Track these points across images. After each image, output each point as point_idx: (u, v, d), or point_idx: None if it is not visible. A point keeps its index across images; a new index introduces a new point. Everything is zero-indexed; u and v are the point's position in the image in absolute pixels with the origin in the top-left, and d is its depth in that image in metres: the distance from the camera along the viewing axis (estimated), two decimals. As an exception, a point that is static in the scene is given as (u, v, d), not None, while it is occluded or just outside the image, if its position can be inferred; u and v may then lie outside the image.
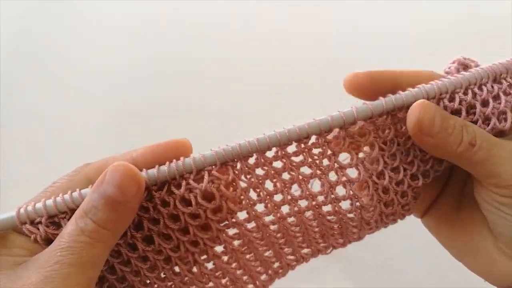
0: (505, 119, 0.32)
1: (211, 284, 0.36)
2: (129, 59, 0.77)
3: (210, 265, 0.35)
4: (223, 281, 0.36)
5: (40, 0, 0.80)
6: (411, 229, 0.44)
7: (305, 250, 0.39)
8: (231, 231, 0.34)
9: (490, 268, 0.35)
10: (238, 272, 0.36)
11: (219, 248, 0.34)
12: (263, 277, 0.38)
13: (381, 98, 0.33)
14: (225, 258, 0.35)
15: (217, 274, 0.36)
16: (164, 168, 0.31)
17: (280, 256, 0.38)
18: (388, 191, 0.34)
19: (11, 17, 0.80)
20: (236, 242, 0.35)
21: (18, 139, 0.74)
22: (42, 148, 0.75)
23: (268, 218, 0.34)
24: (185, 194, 0.31)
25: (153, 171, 0.31)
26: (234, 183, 0.32)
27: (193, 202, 0.31)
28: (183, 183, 0.31)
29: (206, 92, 0.75)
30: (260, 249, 0.36)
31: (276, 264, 0.38)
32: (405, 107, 0.33)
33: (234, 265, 0.36)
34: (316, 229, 0.37)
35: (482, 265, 0.35)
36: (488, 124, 0.33)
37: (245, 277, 0.37)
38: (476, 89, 0.33)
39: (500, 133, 0.33)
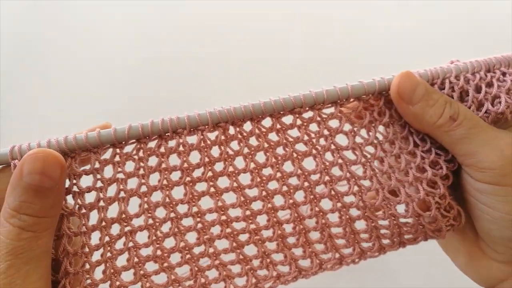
0: (500, 103, 0.32)
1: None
2: (129, 59, 0.77)
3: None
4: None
5: (40, 0, 0.82)
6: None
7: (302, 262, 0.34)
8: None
9: (470, 267, 0.34)
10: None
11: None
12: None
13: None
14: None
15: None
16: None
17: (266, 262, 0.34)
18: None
19: (11, 17, 0.81)
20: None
21: (18, 139, 0.73)
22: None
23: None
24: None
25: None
26: (222, 147, 0.31)
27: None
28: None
29: (206, 92, 0.74)
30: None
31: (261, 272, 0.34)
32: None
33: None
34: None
35: (463, 263, 0.35)
36: (481, 110, 0.32)
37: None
38: (469, 75, 0.33)
39: (497, 119, 0.33)
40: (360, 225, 0.33)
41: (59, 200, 0.28)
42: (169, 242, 0.31)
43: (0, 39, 0.80)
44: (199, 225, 0.31)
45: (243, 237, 0.32)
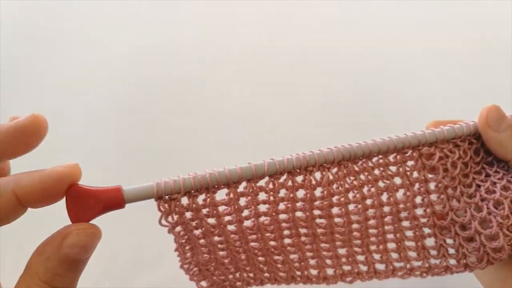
0: None
1: (278, 257, 0.40)
2: (130, 59, 0.77)
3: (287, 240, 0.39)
4: (291, 256, 0.40)
5: (40, 0, 0.79)
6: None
7: (378, 265, 0.41)
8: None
9: None
10: (308, 254, 0.40)
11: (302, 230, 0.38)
12: (330, 271, 0.41)
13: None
14: (304, 238, 0.39)
15: (289, 249, 0.39)
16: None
17: (353, 259, 0.41)
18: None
19: (11, 17, 0.78)
20: (320, 231, 0.38)
21: None
22: (42, 148, 0.71)
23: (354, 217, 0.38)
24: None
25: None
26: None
27: None
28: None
29: (207, 94, 0.75)
30: (336, 243, 0.39)
31: (346, 268, 0.41)
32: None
33: (308, 246, 0.39)
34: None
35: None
36: None
37: (312, 261, 0.41)
38: None
39: None
40: (430, 242, 0.40)
41: (84, 266, 0.29)
42: None
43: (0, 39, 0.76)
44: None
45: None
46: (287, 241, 0.39)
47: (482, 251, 0.37)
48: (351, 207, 0.37)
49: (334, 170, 0.35)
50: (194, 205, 0.32)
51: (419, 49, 0.79)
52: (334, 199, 0.36)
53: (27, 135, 0.29)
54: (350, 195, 0.37)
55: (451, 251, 0.39)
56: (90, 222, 0.29)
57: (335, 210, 0.37)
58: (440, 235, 0.39)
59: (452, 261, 0.39)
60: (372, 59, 0.78)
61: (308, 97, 0.75)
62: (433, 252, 0.40)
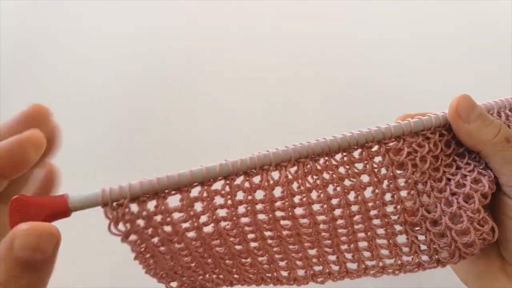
0: None
1: (248, 260, 0.38)
2: (130, 59, 0.77)
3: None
4: (260, 259, 0.38)
5: (40, 0, 0.79)
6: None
7: (350, 264, 0.40)
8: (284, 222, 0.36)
9: None
10: (276, 256, 0.38)
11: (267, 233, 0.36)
12: (301, 272, 0.40)
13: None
14: (270, 241, 0.37)
15: (258, 252, 0.37)
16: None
17: (324, 260, 0.39)
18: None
19: (11, 17, 0.78)
20: (285, 232, 0.36)
21: None
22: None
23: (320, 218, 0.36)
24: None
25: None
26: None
27: None
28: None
29: (207, 93, 0.75)
30: (305, 245, 0.38)
31: (317, 268, 0.39)
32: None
33: (276, 249, 0.37)
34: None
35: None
36: None
37: (281, 263, 0.39)
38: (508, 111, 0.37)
39: None
40: (402, 239, 0.39)
41: (48, 273, 0.28)
42: None
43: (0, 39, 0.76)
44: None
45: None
46: (252, 244, 0.37)
47: (453, 246, 0.36)
48: (316, 207, 0.36)
49: (293, 169, 0.34)
50: (144, 212, 0.31)
51: (415, 42, 0.77)
52: (296, 199, 0.35)
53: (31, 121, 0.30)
54: (314, 194, 0.35)
55: (423, 247, 0.38)
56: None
57: (299, 211, 0.36)
58: (411, 232, 0.38)
59: (425, 257, 0.38)
60: (371, 55, 0.76)
61: (307, 92, 0.73)
62: (405, 249, 0.38)
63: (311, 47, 0.78)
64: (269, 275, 0.40)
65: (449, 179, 0.36)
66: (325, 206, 0.36)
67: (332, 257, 0.39)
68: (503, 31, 0.74)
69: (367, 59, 0.77)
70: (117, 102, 0.74)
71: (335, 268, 0.39)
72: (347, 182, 0.35)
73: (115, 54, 0.77)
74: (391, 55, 0.76)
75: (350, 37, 0.78)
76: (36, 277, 0.27)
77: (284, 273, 0.40)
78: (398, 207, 0.37)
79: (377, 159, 0.36)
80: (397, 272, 0.39)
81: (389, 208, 0.37)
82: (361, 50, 0.77)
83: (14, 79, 0.75)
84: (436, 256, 0.38)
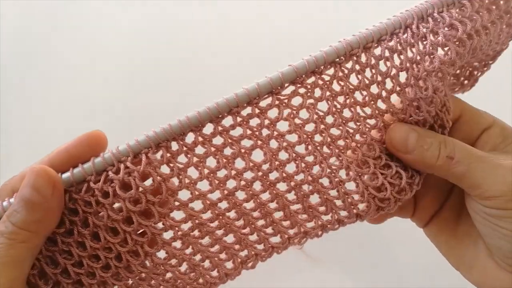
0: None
1: (169, 274, 0.35)
2: (130, 59, 0.76)
3: (162, 254, 0.34)
4: (181, 269, 0.35)
5: (41, 0, 0.79)
6: (409, 230, 0.45)
7: (273, 239, 0.37)
8: (178, 216, 0.34)
9: (484, 279, 0.36)
10: (196, 258, 0.35)
11: (168, 235, 0.34)
12: (229, 264, 0.36)
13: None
14: (177, 244, 0.34)
15: (172, 262, 0.35)
16: (99, 158, 0.31)
17: (245, 243, 0.36)
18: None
19: (11, 17, 0.78)
20: (185, 226, 0.34)
21: (18, 139, 0.74)
22: (41, 148, 0.73)
23: (216, 198, 0.34)
24: (125, 179, 0.31)
25: (88, 164, 0.31)
26: (170, 164, 0.32)
27: (133, 185, 0.31)
28: (122, 166, 0.31)
29: (206, 93, 0.73)
30: (216, 233, 0.35)
31: (242, 253, 0.36)
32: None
33: (188, 251, 0.35)
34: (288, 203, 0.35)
35: (477, 276, 0.37)
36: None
37: (205, 264, 0.36)
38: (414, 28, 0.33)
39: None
40: (316, 200, 0.35)
41: (47, 218, 0.30)
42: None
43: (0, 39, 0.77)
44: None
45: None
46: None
47: (366, 195, 0.34)
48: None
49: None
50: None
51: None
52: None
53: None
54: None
55: (338, 202, 0.35)
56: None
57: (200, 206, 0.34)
58: (322, 189, 0.35)
59: (343, 213, 0.35)
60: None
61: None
62: (322, 209, 0.35)
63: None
64: (202, 280, 0.36)
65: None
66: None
67: (253, 237, 0.36)
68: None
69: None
70: (118, 102, 0.74)
71: (260, 247, 0.36)
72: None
73: (116, 51, 0.76)
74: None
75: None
76: (31, 216, 0.29)
77: (214, 273, 0.37)
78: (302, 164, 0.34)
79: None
80: (320, 233, 0.36)
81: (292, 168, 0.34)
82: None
83: (13, 79, 0.76)
84: (354, 210, 0.35)
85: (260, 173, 0.34)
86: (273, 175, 0.34)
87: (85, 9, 0.78)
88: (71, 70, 0.77)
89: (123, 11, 0.78)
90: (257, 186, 0.34)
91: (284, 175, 0.34)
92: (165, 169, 0.32)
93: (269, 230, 0.36)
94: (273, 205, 0.35)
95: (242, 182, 0.34)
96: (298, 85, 0.33)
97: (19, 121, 0.76)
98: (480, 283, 0.36)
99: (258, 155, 0.34)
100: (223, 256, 0.36)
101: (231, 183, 0.34)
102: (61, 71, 0.77)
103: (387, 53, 0.33)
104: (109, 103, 0.75)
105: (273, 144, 0.34)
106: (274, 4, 0.75)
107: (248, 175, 0.34)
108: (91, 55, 0.77)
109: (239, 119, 0.32)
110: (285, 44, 0.73)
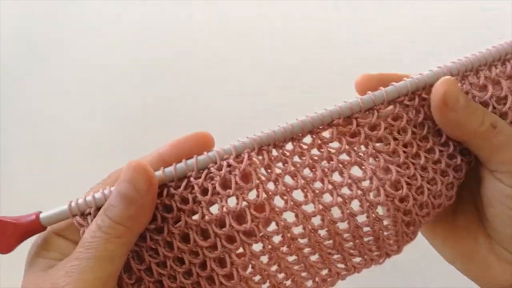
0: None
1: None
2: (130, 59, 0.77)
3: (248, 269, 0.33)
4: (263, 286, 0.33)
5: (41, 0, 0.82)
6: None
7: (357, 259, 0.35)
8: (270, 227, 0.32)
9: (484, 273, 0.35)
10: (279, 276, 0.33)
11: (256, 247, 0.32)
12: (309, 283, 0.34)
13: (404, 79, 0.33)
14: (264, 259, 0.32)
15: (255, 279, 0.32)
16: (203, 156, 0.32)
17: (329, 262, 0.34)
18: (425, 170, 0.33)
19: (11, 17, 0.81)
20: (275, 239, 0.32)
21: (18, 140, 0.75)
22: (42, 148, 0.72)
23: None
24: (226, 175, 0.31)
25: (192, 160, 0.32)
26: (268, 170, 0.32)
27: (233, 183, 0.31)
28: (224, 163, 0.31)
29: (207, 93, 0.74)
30: (304, 251, 0.33)
31: (324, 272, 0.34)
32: (428, 87, 0.33)
33: (274, 268, 0.33)
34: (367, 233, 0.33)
35: (476, 270, 0.36)
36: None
37: (286, 283, 0.34)
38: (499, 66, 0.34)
39: None
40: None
41: (141, 214, 0.30)
42: None
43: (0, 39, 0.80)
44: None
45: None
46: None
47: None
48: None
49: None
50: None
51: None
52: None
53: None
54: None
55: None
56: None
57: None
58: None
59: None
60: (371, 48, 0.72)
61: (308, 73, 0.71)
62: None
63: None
64: None
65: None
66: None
67: (325, 271, 0.34)
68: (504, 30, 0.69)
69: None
70: (118, 102, 0.75)
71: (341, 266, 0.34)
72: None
73: (116, 51, 0.78)
74: (389, 52, 0.71)
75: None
76: (127, 211, 0.29)
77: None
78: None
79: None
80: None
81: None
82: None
83: (13, 79, 0.78)
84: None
85: (359, 192, 0.32)
86: (373, 194, 0.33)
87: (85, 9, 0.80)
88: (71, 70, 0.78)
89: (123, 11, 0.79)
90: (355, 205, 0.33)
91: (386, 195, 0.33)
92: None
93: (355, 252, 0.34)
94: (367, 229, 0.33)
95: (339, 199, 0.32)
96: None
97: (19, 121, 0.77)
98: (479, 277, 0.36)
99: (356, 171, 0.33)
100: (304, 274, 0.34)
101: (327, 197, 0.32)
102: (61, 71, 0.78)
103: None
104: (109, 103, 0.76)
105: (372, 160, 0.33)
106: (274, 4, 0.75)
107: (346, 191, 0.32)
108: (91, 55, 0.79)
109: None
110: (285, 44, 0.73)
